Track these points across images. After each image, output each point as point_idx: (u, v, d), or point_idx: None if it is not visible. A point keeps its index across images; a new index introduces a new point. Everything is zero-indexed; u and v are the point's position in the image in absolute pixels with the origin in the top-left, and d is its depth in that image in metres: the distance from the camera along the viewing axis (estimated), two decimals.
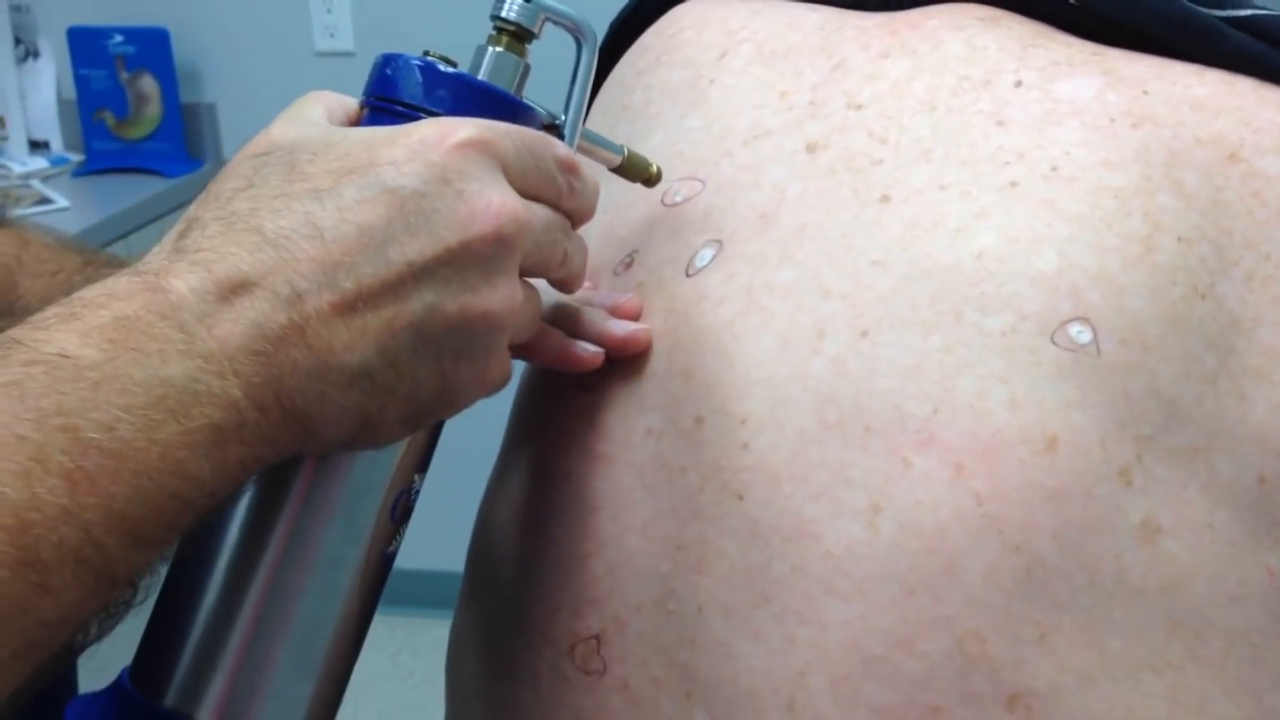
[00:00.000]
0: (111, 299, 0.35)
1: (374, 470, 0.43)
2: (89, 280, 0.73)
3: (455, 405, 0.41)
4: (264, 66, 2.31)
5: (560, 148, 0.43)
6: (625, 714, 0.45)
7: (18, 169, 2.22)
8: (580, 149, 0.48)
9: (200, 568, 0.42)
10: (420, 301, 0.38)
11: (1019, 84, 0.47)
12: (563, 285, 0.46)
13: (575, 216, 0.44)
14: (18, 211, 1.95)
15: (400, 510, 0.44)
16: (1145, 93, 0.46)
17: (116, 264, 0.75)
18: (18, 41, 2.31)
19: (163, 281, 0.36)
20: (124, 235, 2.06)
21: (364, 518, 0.43)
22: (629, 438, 0.48)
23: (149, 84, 2.29)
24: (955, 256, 0.44)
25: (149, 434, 0.34)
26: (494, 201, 0.39)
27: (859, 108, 0.49)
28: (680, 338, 0.48)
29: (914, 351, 0.43)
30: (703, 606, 0.44)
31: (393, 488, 0.44)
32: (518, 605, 0.50)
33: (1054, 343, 0.42)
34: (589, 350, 0.48)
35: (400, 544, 0.45)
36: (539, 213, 0.41)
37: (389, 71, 0.44)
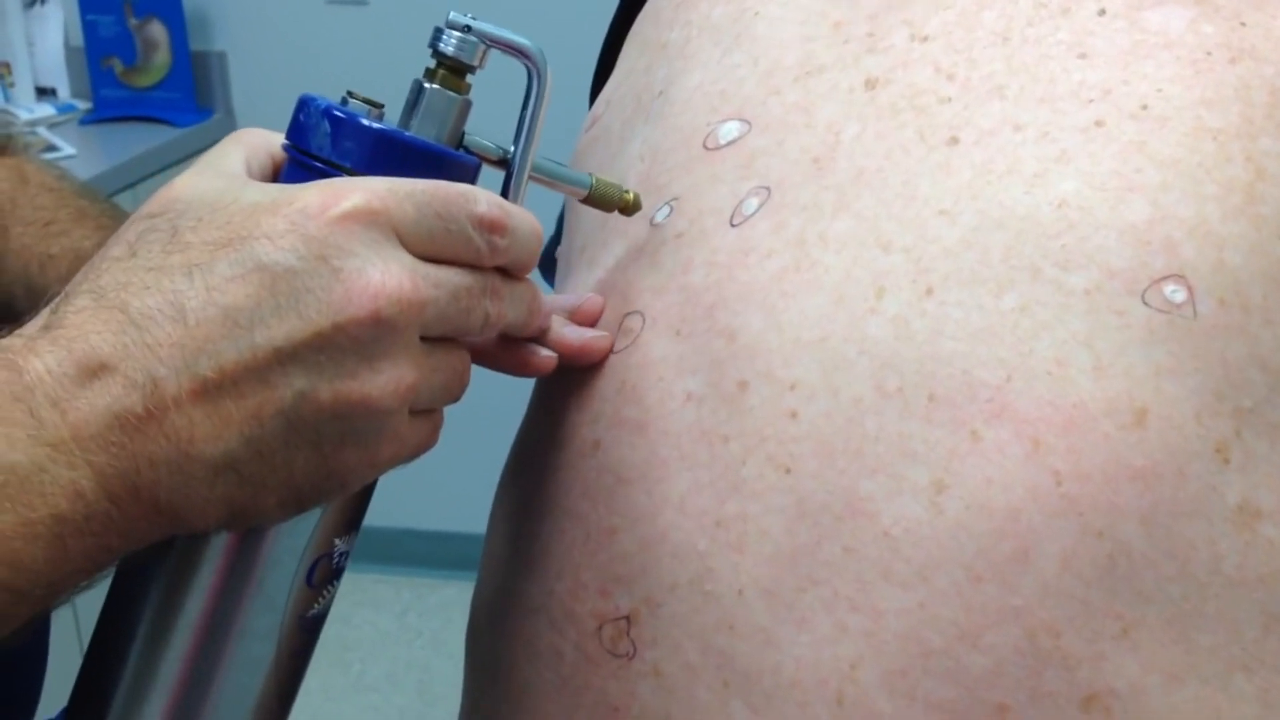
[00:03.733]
0: None
1: (285, 541, 0.41)
2: (72, 251, 0.69)
3: (346, 487, 0.39)
4: (275, 15, 2.26)
5: (480, 204, 0.39)
6: (655, 701, 0.42)
7: (24, 116, 2.19)
8: (538, 183, 0.44)
9: (122, 634, 0.41)
10: (290, 388, 0.36)
11: (1102, 12, 0.42)
12: (511, 332, 0.43)
13: (511, 270, 0.41)
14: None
15: (320, 575, 0.42)
16: (1243, 24, 0.41)
17: (108, 224, 0.71)
18: None
19: (21, 360, 0.35)
20: (131, 185, 2.03)
21: (278, 588, 0.41)
22: (665, 404, 0.43)
23: (158, 31, 2.24)
24: (1032, 205, 0.39)
25: None
26: (373, 281, 0.36)
27: (925, 40, 0.44)
28: (723, 294, 0.43)
29: (985, 311, 0.39)
30: (743, 589, 0.40)
31: (308, 556, 0.41)
32: (540, 579, 0.46)
33: (1145, 303, 0.38)
34: (540, 354, 0.45)
35: (329, 603, 0.43)
36: (444, 282, 0.38)
37: (301, 118, 0.41)
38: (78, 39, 2.29)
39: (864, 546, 0.39)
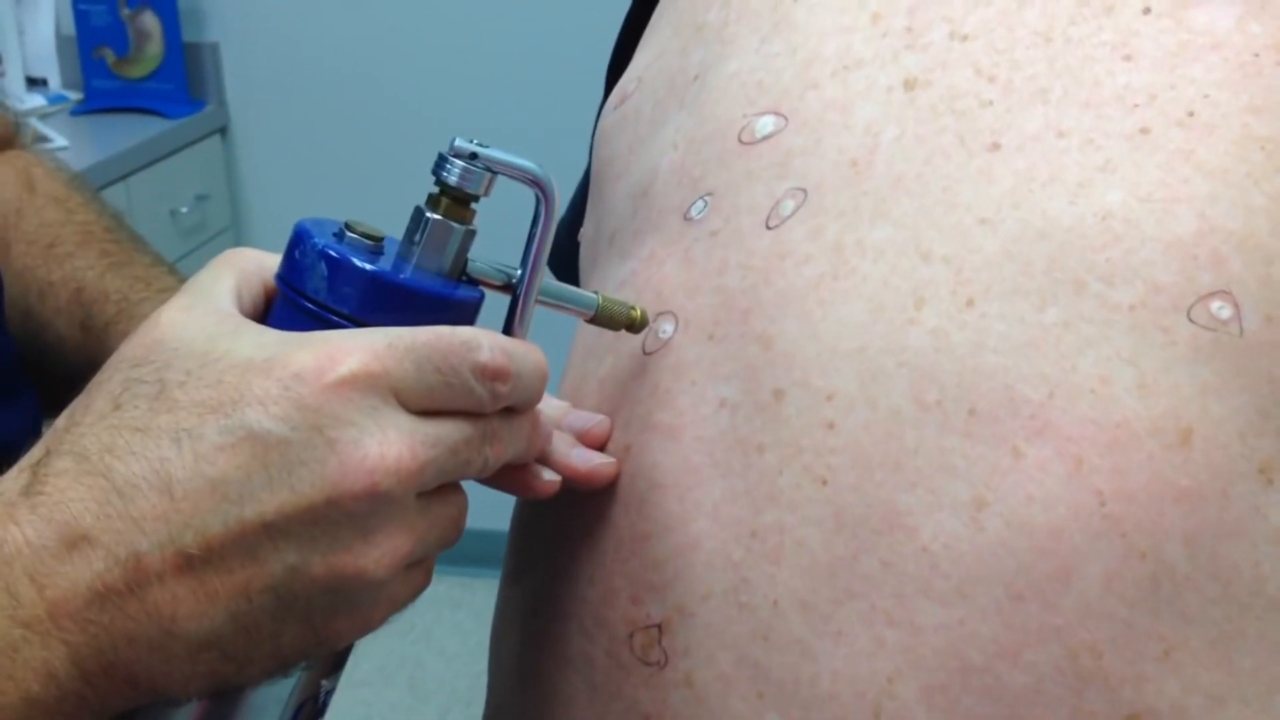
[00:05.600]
0: None
1: (269, 694, 0.39)
2: (73, 281, 0.67)
3: (334, 649, 0.38)
4: (268, 7, 2.25)
5: (484, 352, 0.37)
6: (687, 711, 0.41)
7: (15, 106, 2.16)
8: (545, 306, 0.42)
9: None
10: (280, 563, 0.34)
11: (1147, 10, 0.41)
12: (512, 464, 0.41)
13: (512, 409, 0.40)
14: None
15: (305, 717, 0.41)
16: None
17: (113, 251, 0.69)
18: None
19: (0, 529, 0.34)
20: (124, 177, 2.01)
21: None
22: (698, 409, 0.43)
23: (150, 21, 2.23)
24: (1076, 216, 0.39)
25: None
26: (370, 454, 0.34)
27: (965, 39, 0.43)
28: (759, 299, 0.42)
29: (1027, 325, 0.38)
30: (778, 600, 0.40)
31: (294, 700, 0.40)
32: (569, 584, 0.45)
33: (1190, 319, 0.37)
34: (544, 478, 0.43)
35: None
36: (443, 439, 0.37)
37: (297, 255, 0.39)
38: (69, 28, 2.27)
39: (902, 561, 0.38)
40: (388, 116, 2.26)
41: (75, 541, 0.33)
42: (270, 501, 0.34)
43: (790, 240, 0.43)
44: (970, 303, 0.39)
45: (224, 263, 0.40)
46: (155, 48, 2.24)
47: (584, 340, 0.50)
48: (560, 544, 0.47)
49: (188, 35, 2.26)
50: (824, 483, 0.40)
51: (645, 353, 0.45)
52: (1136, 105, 0.40)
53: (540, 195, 0.41)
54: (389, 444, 0.35)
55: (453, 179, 0.39)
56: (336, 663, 0.42)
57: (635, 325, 0.44)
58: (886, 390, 0.39)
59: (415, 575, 0.38)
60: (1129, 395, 0.37)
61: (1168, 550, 0.36)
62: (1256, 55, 0.40)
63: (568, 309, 0.43)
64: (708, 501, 0.42)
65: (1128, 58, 0.41)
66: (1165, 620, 0.36)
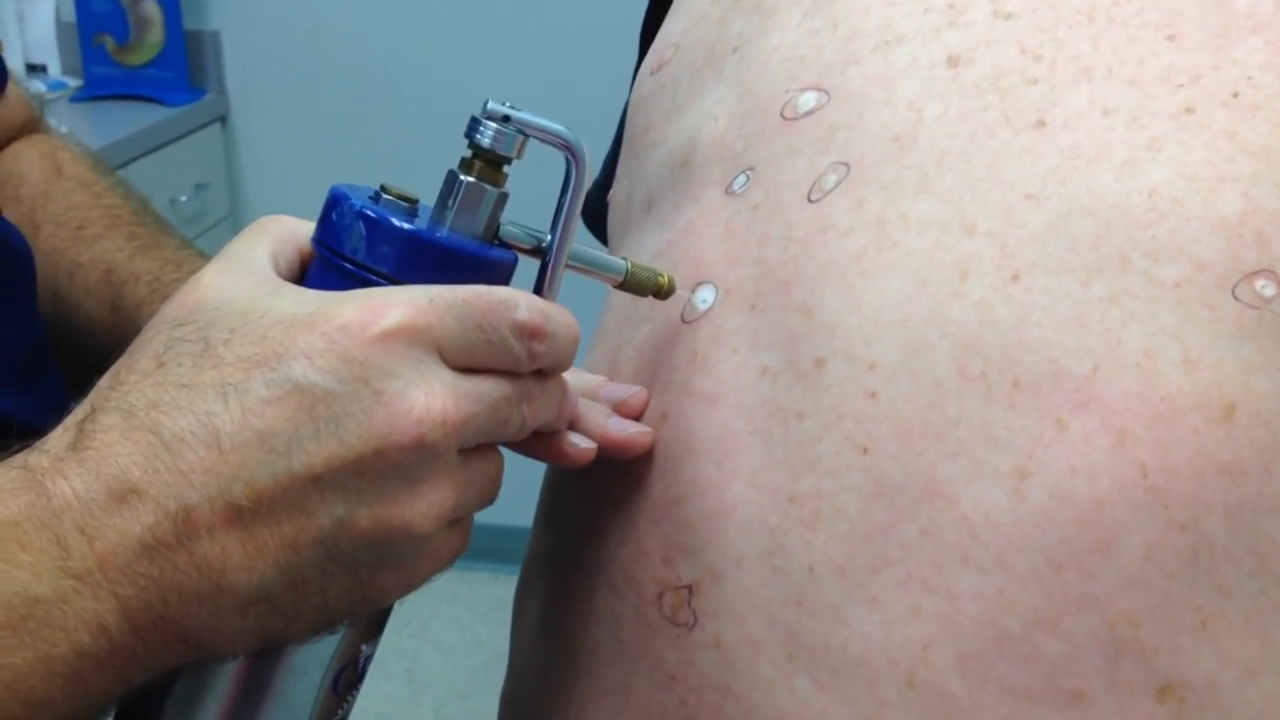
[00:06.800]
0: None
1: (311, 652, 0.40)
2: (102, 262, 0.67)
3: (378, 607, 0.38)
4: None
5: (521, 311, 0.38)
6: (714, 672, 0.41)
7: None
8: (574, 271, 0.43)
9: None
10: (328, 515, 0.34)
11: None
12: (543, 430, 0.42)
13: (546, 371, 0.40)
14: None
15: (345, 682, 0.41)
16: None
17: (141, 235, 0.70)
18: None
19: (49, 483, 0.33)
20: (124, 165, 2.01)
21: (302, 698, 0.40)
22: (739, 377, 0.43)
23: (151, 8, 2.22)
24: (1122, 194, 0.39)
25: (1, 656, 0.32)
26: (417, 406, 0.35)
27: (1008, 17, 0.44)
28: (800, 270, 0.43)
29: (1073, 300, 0.39)
30: (814, 566, 0.40)
31: (334, 665, 0.40)
32: (599, 542, 0.46)
33: (1235, 297, 0.37)
34: (579, 446, 0.43)
35: (351, 708, 0.43)
36: (484, 395, 0.37)
37: (334, 217, 0.39)
38: (69, 15, 2.27)
39: (941, 529, 0.38)
40: (388, 105, 2.26)
41: (124, 495, 0.33)
42: (318, 453, 0.34)
43: (832, 213, 0.43)
44: (1015, 277, 0.39)
45: (258, 229, 0.40)
46: (156, 35, 2.24)
47: (619, 308, 0.50)
48: (591, 503, 0.47)
49: (189, 23, 2.25)
50: (864, 451, 0.40)
51: (684, 321, 0.45)
52: (1181, 85, 0.40)
53: (570, 159, 0.41)
54: (434, 396, 0.35)
55: (485, 141, 0.40)
56: (377, 626, 0.42)
57: (663, 291, 0.45)
58: (929, 361, 0.40)
59: (455, 534, 0.39)
60: (1174, 370, 0.37)
61: (1208, 523, 0.37)
62: None
63: (596, 274, 0.44)
64: (745, 467, 0.42)
65: (1171, 38, 0.41)
66: (1202, 592, 0.37)
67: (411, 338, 0.35)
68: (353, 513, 0.35)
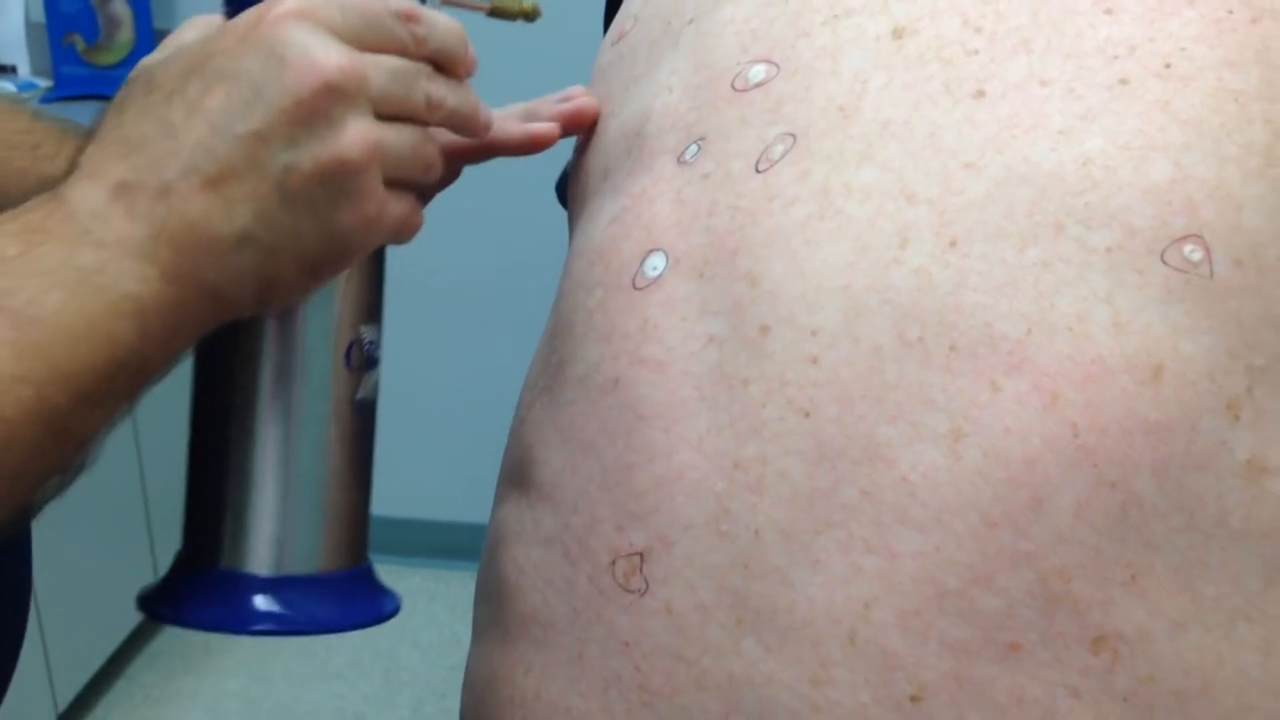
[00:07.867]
0: (21, 213, 0.41)
1: (316, 325, 0.48)
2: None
3: (350, 251, 0.44)
4: None
5: (392, 1, 0.45)
6: (665, 637, 0.42)
7: None
8: (445, 3, 0.49)
9: (208, 453, 0.49)
10: (276, 163, 0.42)
11: None
12: (462, 129, 0.48)
13: (439, 61, 0.46)
14: None
15: (357, 360, 0.49)
16: None
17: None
18: None
19: (60, 193, 0.41)
20: None
21: (321, 372, 0.48)
22: (687, 344, 0.44)
23: (121, 8, 2.21)
24: (1057, 162, 0.40)
25: (75, 306, 0.39)
26: (317, 59, 0.42)
27: None
28: (747, 239, 0.44)
29: (1008, 265, 0.40)
30: (760, 529, 0.41)
31: (340, 339, 0.49)
32: (555, 512, 0.46)
33: (1164, 262, 0.39)
34: (541, 126, 0.54)
35: (373, 392, 0.50)
36: (382, 62, 0.44)
37: None
38: (39, 15, 2.25)
39: (881, 490, 0.39)
40: None
41: (118, 189, 0.41)
42: (254, 118, 0.41)
43: (778, 183, 0.44)
44: (953, 243, 0.40)
45: (186, 25, 0.48)
46: (126, 35, 2.23)
47: (574, 273, 0.51)
48: (547, 470, 0.48)
49: (159, 22, 2.24)
50: (806, 415, 0.41)
51: (635, 288, 0.46)
52: (1116, 57, 0.41)
53: None
54: (331, 52, 0.42)
55: None
56: (370, 309, 0.50)
57: (530, 15, 0.50)
58: (869, 327, 0.41)
59: (400, 199, 0.45)
60: (1104, 333, 0.38)
61: (1136, 481, 0.38)
62: (1230, 12, 0.41)
63: (465, 3, 0.50)
64: (693, 434, 0.43)
65: (1109, 11, 0.42)
66: (1131, 547, 0.38)
67: (301, 17, 0.42)
68: (295, 158, 0.42)
